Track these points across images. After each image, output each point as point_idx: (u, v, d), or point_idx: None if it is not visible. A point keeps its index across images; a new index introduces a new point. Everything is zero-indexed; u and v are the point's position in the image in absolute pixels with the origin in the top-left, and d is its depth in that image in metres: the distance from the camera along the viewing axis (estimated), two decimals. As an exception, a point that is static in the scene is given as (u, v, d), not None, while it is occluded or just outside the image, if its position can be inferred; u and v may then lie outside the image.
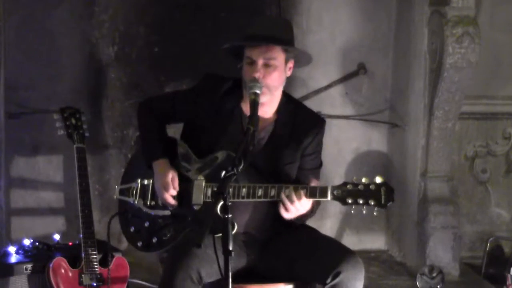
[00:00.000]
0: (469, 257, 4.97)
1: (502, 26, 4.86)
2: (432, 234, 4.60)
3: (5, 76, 4.45)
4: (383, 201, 2.88)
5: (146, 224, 3.28)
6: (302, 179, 3.18)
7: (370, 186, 2.90)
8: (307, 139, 3.23)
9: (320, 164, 3.33)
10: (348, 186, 2.92)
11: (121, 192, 3.38)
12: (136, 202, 3.31)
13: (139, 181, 3.32)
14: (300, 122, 3.24)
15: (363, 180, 2.92)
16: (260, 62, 3.10)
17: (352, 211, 2.95)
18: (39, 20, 4.65)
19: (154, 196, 3.27)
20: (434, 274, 4.39)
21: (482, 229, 5.05)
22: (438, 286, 4.37)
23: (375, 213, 2.92)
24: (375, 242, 5.15)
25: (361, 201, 2.90)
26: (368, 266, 4.78)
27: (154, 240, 3.23)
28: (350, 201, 2.91)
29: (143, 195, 3.30)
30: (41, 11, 4.65)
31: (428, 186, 4.65)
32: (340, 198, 2.92)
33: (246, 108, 3.21)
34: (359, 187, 2.91)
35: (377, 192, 2.89)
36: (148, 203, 3.28)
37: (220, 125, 3.20)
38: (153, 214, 3.26)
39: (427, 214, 4.62)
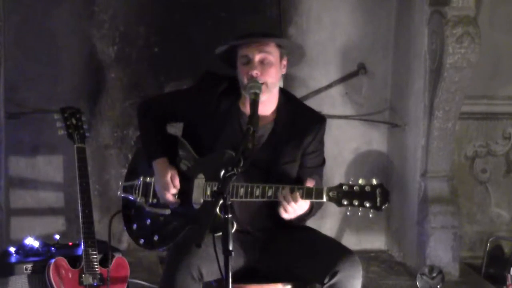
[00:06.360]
0: (469, 257, 4.98)
1: (502, 26, 4.86)
2: (432, 234, 4.59)
3: (5, 76, 4.45)
4: (378, 203, 2.86)
5: (148, 222, 3.29)
6: (304, 177, 3.15)
7: (366, 188, 2.88)
8: (307, 138, 3.23)
9: (323, 162, 3.32)
10: (343, 188, 2.90)
11: (124, 189, 3.40)
12: (138, 200, 3.32)
13: (141, 178, 3.34)
14: (300, 121, 3.23)
15: (360, 181, 2.90)
16: (257, 59, 3.11)
17: (348, 213, 2.94)
18: (39, 20, 4.66)
19: (155, 194, 3.28)
20: (434, 274, 4.40)
21: (482, 229, 5.05)
22: (438, 286, 4.37)
23: (370, 215, 2.90)
24: (375, 242, 5.15)
25: (356, 203, 2.88)
26: (368, 266, 4.78)
27: (155, 238, 3.24)
28: (345, 202, 2.89)
29: (145, 193, 3.32)
30: (41, 11, 4.65)
31: (428, 186, 4.65)
32: (336, 199, 2.91)
33: (243, 107, 3.22)
34: (354, 188, 2.89)
35: (372, 194, 2.87)
36: (150, 201, 3.29)
37: (218, 124, 3.20)
38: (154, 212, 3.27)
39: (427, 214, 4.61)
